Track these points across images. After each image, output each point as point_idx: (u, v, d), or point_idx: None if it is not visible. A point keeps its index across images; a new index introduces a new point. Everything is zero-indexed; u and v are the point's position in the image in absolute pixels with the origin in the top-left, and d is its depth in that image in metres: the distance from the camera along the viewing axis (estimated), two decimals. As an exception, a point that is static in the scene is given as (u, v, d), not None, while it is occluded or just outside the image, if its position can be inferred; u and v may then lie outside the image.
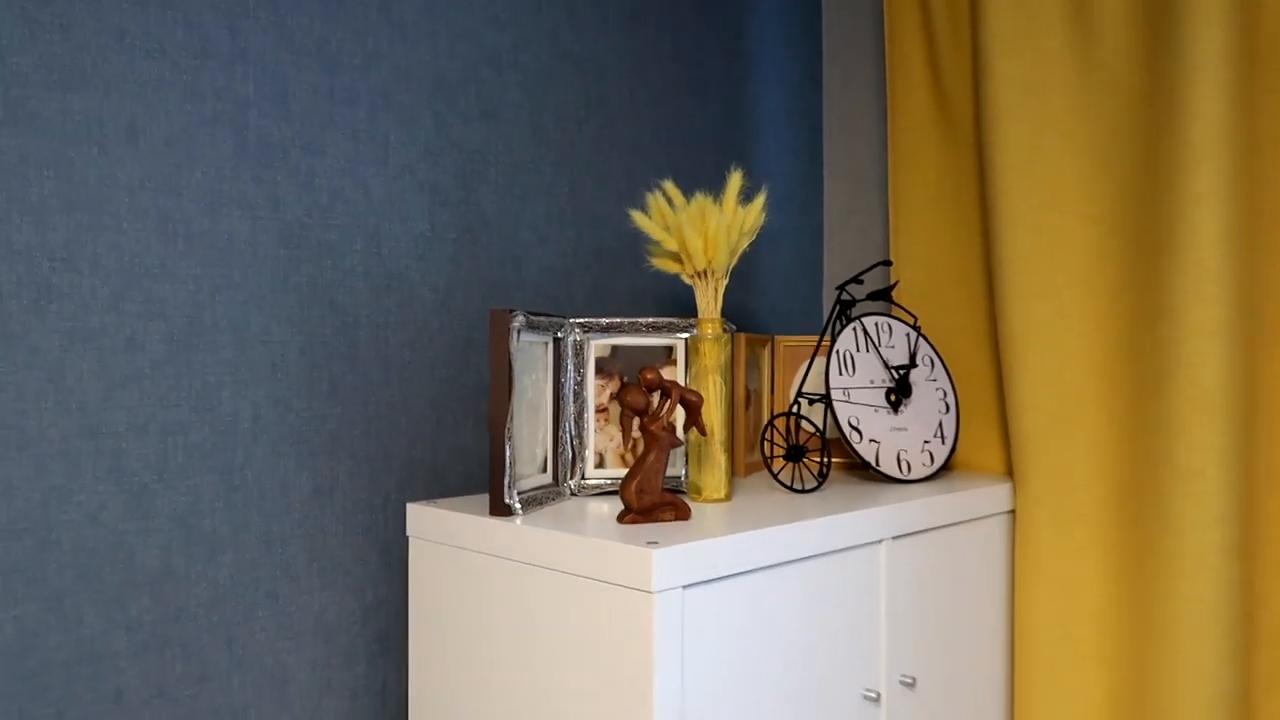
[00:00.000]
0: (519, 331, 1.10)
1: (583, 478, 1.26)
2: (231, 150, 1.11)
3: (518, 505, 1.10)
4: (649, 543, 0.94)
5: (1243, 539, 1.23)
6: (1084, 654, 1.34)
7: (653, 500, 1.05)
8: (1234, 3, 1.22)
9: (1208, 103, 1.22)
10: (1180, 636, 1.23)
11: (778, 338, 1.58)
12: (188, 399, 1.08)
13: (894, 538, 1.21)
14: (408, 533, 1.20)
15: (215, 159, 1.10)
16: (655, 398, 1.08)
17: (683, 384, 1.24)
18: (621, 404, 1.05)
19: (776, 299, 1.80)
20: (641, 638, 0.93)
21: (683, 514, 1.07)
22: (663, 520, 1.06)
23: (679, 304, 1.62)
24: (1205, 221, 1.22)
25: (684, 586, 0.95)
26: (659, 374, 1.08)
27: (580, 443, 1.25)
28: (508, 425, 1.08)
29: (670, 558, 0.93)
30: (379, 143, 1.24)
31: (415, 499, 1.27)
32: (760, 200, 1.21)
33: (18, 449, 0.96)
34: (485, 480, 1.35)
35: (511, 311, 1.09)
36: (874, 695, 1.16)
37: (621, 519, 1.05)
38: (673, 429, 1.08)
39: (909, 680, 1.22)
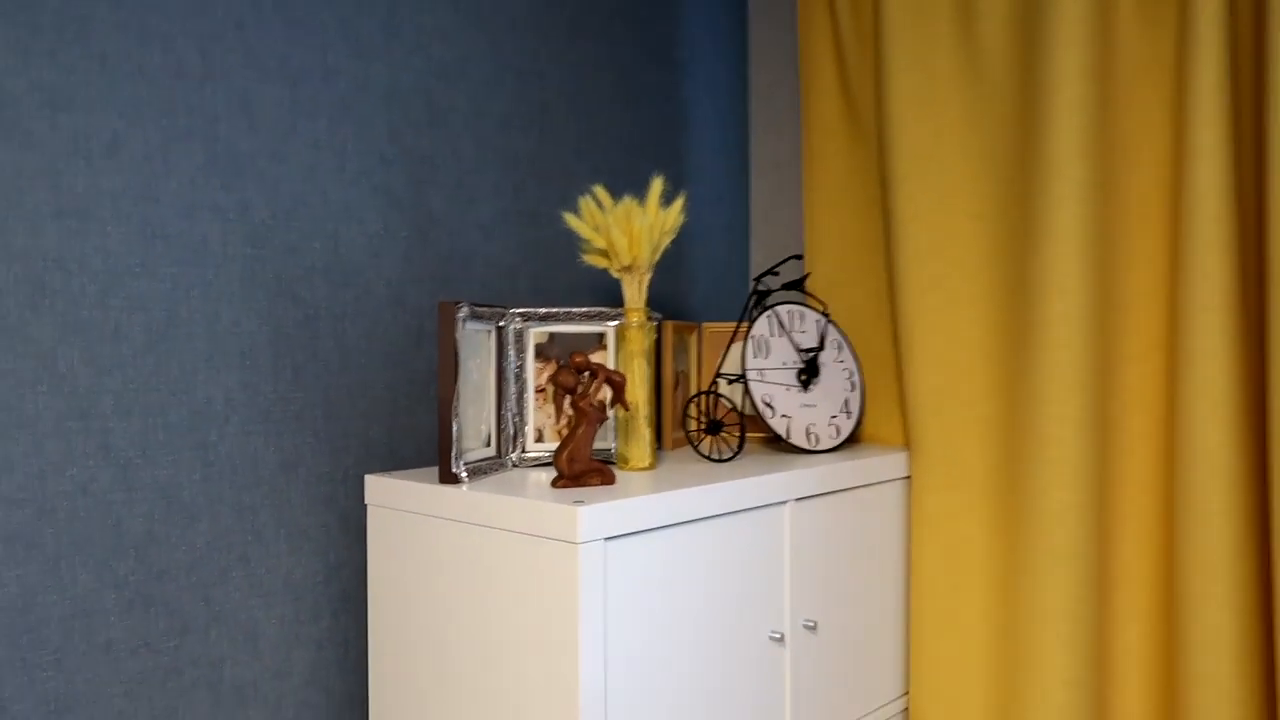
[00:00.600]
0: (464, 321, 1.25)
1: (523, 451, 1.41)
2: (203, 160, 1.24)
3: (464, 474, 1.25)
4: (575, 501, 1.10)
5: (1097, 497, 1.42)
6: (969, 599, 1.53)
7: (582, 468, 1.21)
8: (1089, 32, 1.40)
9: (1068, 118, 1.40)
10: (1045, 581, 1.42)
11: (704, 324, 1.74)
12: (166, 384, 1.21)
13: (797, 499, 1.38)
14: (366, 501, 1.34)
15: (189, 169, 1.22)
16: (584, 378, 1.24)
17: (611, 366, 1.40)
18: (554, 384, 1.21)
19: (707, 288, 1.96)
20: (569, 583, 1.09)
21: (608, 479, 1.22)
22: (590, 484, 1.21)
23: (612, 295, 1.77)
24: (1066, 221, 1.40)
25: (606, 539, 1.10)
26: (586, 357, 1.23)
27: (521, 420, 1.40)
28: (454, 404, 1.22)
29: (593, 514, 1.08)
30: (337, 151, 1.37)
31: (372, 472, 1.41)
32: (679, 202, 1.37)
33: (16, 428, 1.09)
34: (436, 455, 1.50)
35: (457, 303, 1.23)
36: (779, 636, 1.33)
37: (555, 484, 1.21)
38: (601, 406, 1.23)
39: (811, 624, 1.39)
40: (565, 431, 1.41)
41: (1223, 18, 1.31)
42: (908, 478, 1.61)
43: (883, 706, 1.57)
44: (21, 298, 1.09)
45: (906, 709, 1.62)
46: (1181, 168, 1.35)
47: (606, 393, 1.30)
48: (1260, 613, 1.34)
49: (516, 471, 1.37)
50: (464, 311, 1.24)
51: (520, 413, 1.40)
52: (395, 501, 1.30)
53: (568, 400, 1.24)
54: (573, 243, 1.69)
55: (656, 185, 1.36)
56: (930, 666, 1.55)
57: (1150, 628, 1.44)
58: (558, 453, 1.21)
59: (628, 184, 1.79)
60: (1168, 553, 1.42)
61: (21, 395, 1.10)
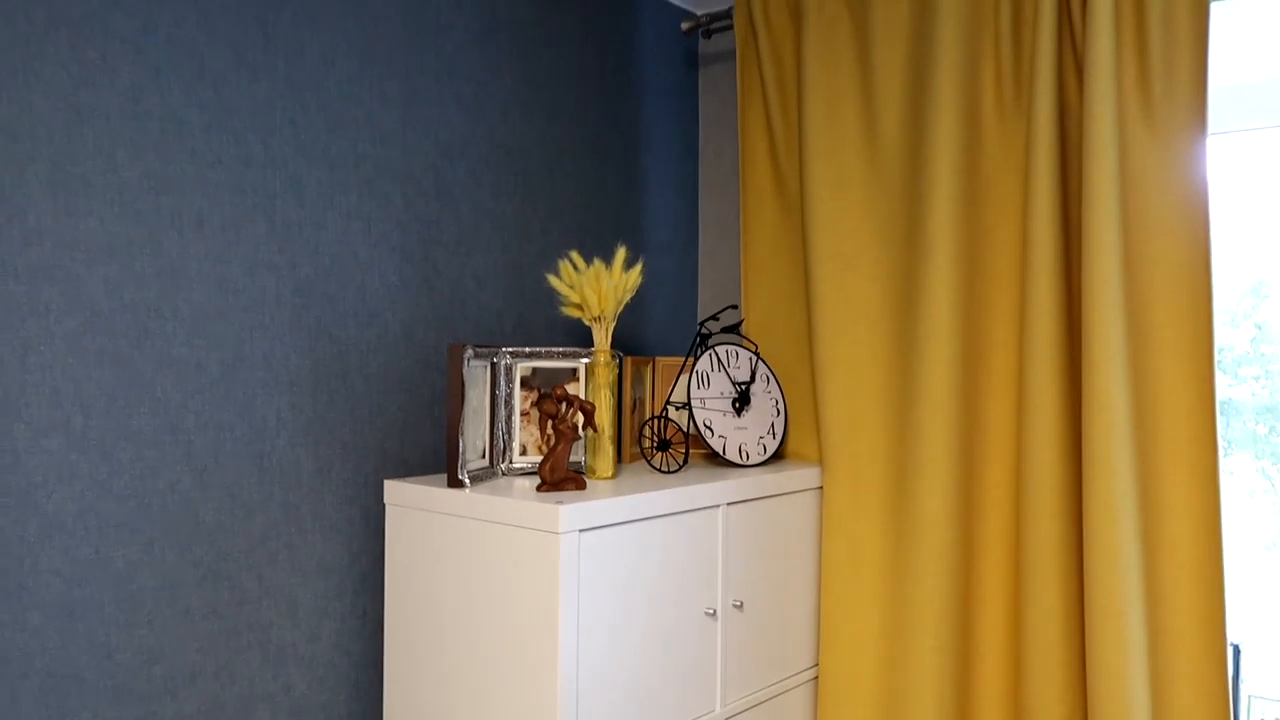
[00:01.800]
0: (469, 359, 1.59)
1: (511, 462, 1.75)
2: (265, 230, 1.57)
3: (466, 480, 1.59)
4: (557, 502, 1.45)
5: (964, 505, 1.80)
6: (866, 585, 1.90)
7: (560, 476, 1.56)
8: (961, 139, 1.79)
9: (944, 205, 1.79)
10: (923, 570, 1.80)
11: (657, 358, 2.10)
12: (234, 405, 1.54)
13: (729, 503, 1.74)
14: (385, 501, 1.68)
15: (254, 236, 1.56)
16: (562, 406, 1.58)
17: (583, 397, 1.75)
18: (540, 410, 1.56)
19: (661, 324, 2.32)
20: (551, 565, 1.43)
21: (580, 486, 1.57)
22: (566, 489, 1.56)
23: (581, 333, 2.12)
24: (941, 286, 1.79)
25: (580, 530, 1.45)
26: (565, 390, 1.58)
27: (509, 437, 1.75)
28: (460, 425, 1.57)
29: (570, 511, 1.43)
30: (364, 218, 1.71)
31: (388, 478, 1.75)
32: (638, 267, 1.73)
33: (125, 439, 1.41)
34: (440, 464, 1.84)
35: (463, 345, 1.58)
36: (712, 613, 1.69)
37: (539, 489, 1.55)
38: (575, 428, 1.58)
39: (738, 603, 1.75)
40: (547, 448, 1.76)
41: (1053, 137, 1.71)
42: (820, 488, 1.98)
43: (797, 674, 1.93)
44: (130, 338, 1.42)
45: (816, 676, 1.98)
46: (1027, 245, 1.74)
47: (580, 418, 1.65)
48: (1076, 596, 1.73)
49: (505, 479, 1.71)
50: (469, 352, 1.58)
51: (509, 431, 1.75)
52: (409, 501, 1.64)
53: (550, 423, 1.59)
54: (550, 291, 2.04)
55: (621, 252, 1.72)
56: (836, 640, 1.92)
57: (1002, 611, 1.83)
58: (541, 464, 1.56)
59: (596, 238, 2.15)
60: (1015, 548, 1.81)
61: (129, 414, 1.42)
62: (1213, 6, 1.76)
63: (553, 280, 1.70)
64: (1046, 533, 1.70)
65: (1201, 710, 1.61)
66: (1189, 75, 1.63)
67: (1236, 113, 2.00)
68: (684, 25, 2.24)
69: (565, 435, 1.56)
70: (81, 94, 1.36)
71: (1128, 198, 1.67)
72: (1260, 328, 2.24)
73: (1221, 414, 2.16)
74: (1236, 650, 2.07)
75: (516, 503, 1.48)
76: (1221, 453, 1.68)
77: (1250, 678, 2.12)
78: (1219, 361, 2.13)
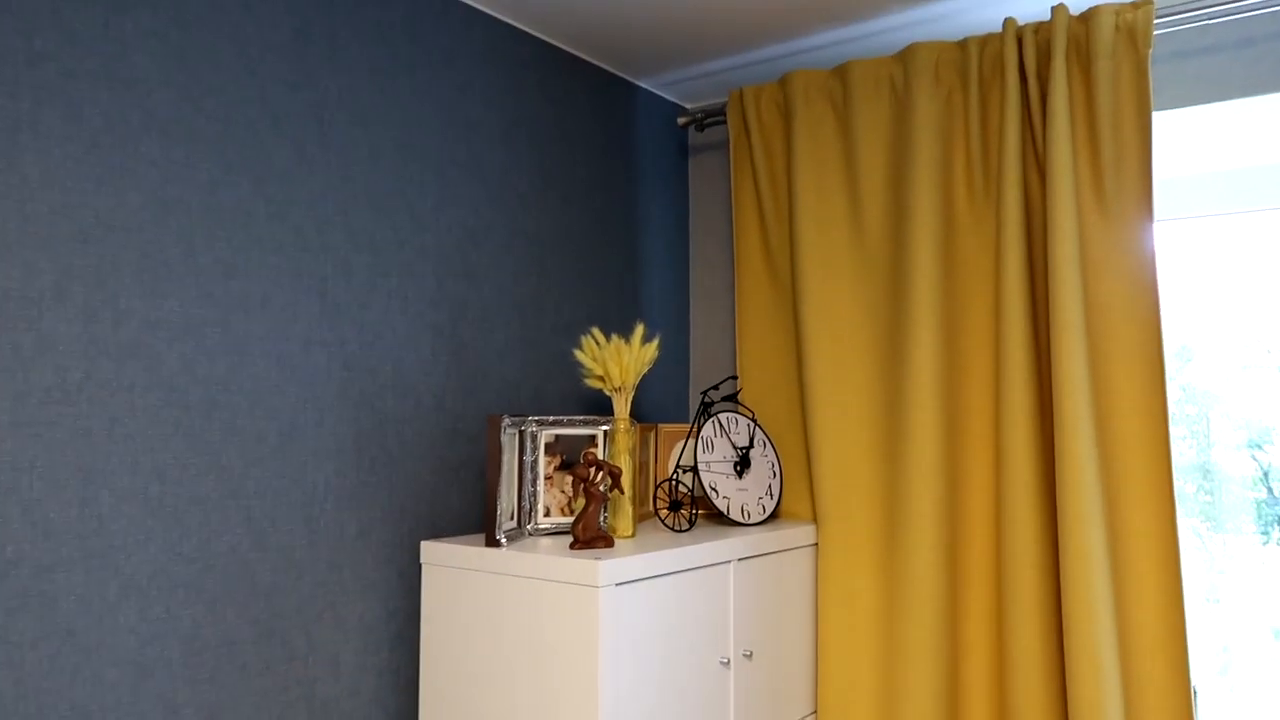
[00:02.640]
0: (506, 428, 1.73)
1: (536, 523, 1.88)
2: (318, 310, 1.71)
3: (503, 539, 1.72)
4: (595, 558, 1.58)
5: (948, 558, 1.98)
6: (860, 635, 2.05)
7: (591, 534, 1.69)
8: (938, 226, 2.00)
9: (924, 284, 1.99)
10: (913, 620, 1.96)
11: (659, 425, 2.26)
12: (289, 472, 1.65)
13: (738, 559, 1.89)
14: (421, 560, 1.79)
15: (307, 316, 1.69)
16: (593, 470, 1.73)
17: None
18: (573, 474, 1.70)
19: (657, 395, 2.48)
20: (591, 616, 1.56)
21: (609, 543, 1.71)
22: (597, 547, 1.70)
23: (591, 402, 2.27)
24: (923, 359, 1.98)
25: (615, 584, 1.59)
26: (595, 455, 1.73)
27: (535, 499, 1.88)
28: (499, 488, 1.70)
29: (607, 566, 1.57)
30: (402, 298, 1.85)
31: (421, 539, 1.86)
32: (655, 343, 1.89)
33: (193, 504, 1.52)
34: (466, 526, 1.96)
35: (501, 415, 1.72)
36: (726, 661, 1.83)
37: (572, 546, 1.69)
38: (605, 490, 1.73)
39: (748, 653, 1.89)
40: (571, 509, 1.89)
41: (1020, 225, 1.93)
42: (815, 544, 2.14)
43: (799, 719, 2.07)
44: (201, 411, 1.53)
45: (815, 722, 2.12)
46: (999, 321, 1.94)
47: (608, 480, 1.79)
48: (1055, 640, 1.90)
49: (532, 538, 1.84)
50: (507, 421, 1.73)
51: (534, 494, 1.88)
52: (445, 560, 1.76)
53: (582, 485, 1.73)
54: (563, 363, 2.19)
55: (639, 330, 1.88)
56: (832, 687, 2.06)
57: (987, 654, 1.99)
58: (574, 524, 1.70)
59: (601, 314, 2.31)
60: (997, 596, 1.98)
61: (198, 482, 1.53)
62: (1155, 115, 2.01)
63: (579, 354, 1.86)
64: (1027, 581, 1.87)
65: (1171, 740, 1.78)
66: (1136, 172, 1.87)
67: (1172, 201, 2.26)
68: (681, 120, 2.45)
69: (596, 497, 1.70)
70: (167, 189, 1.50)
71: (1088, 277, 1.89)
72: (1185, 389, 2.47)
73: None
74: (1194, 693, 2.25)
75: (557, 559, 1.61)
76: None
77: (1206, 713, 2.30)
78: None
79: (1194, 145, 2.16)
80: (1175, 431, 2.38)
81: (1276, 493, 2.32)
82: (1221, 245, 2.32)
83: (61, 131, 1.38)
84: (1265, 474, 2.32)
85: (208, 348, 1.54)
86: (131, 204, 1.46)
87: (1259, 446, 2.34)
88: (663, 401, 2.50)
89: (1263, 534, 2.31)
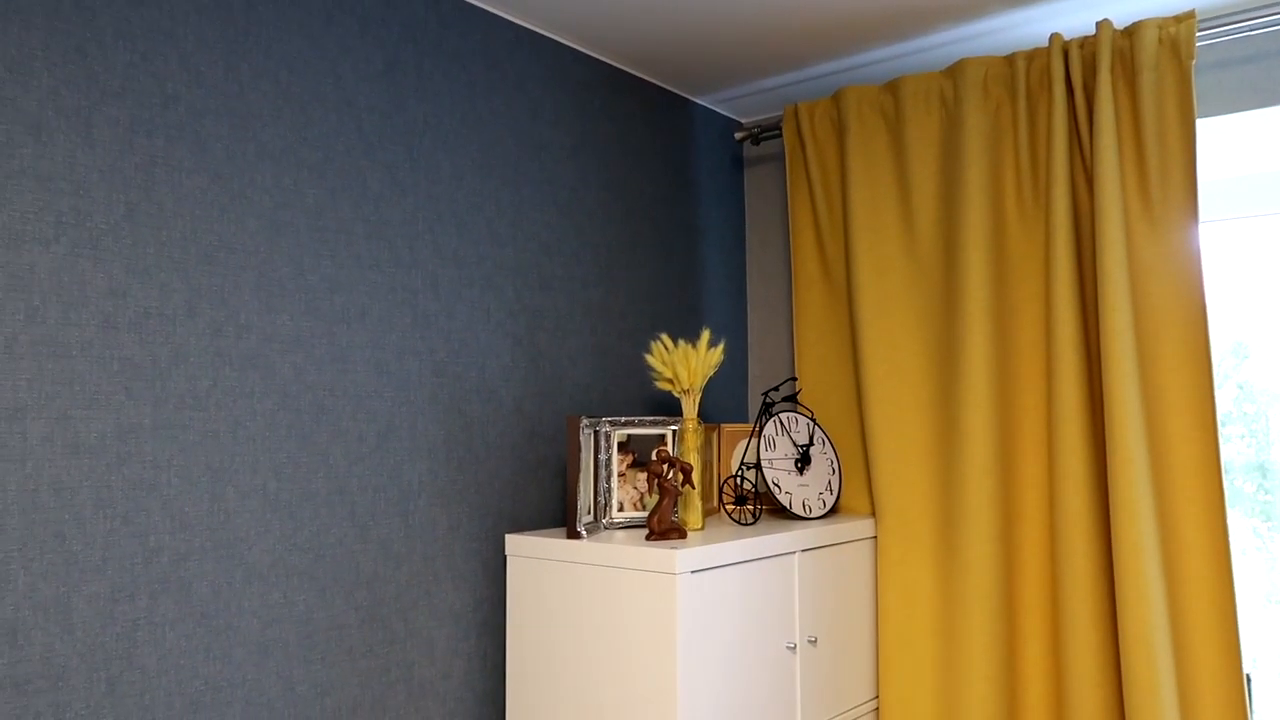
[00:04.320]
0: (583, 428, 1.86)
1: (611, 518, 2.01)
2: (410, 321, 1.85)
3: (583, 532, 1.85)
4: (672, 547, 1.70)
5: (1003, 550, 2.07)
6: (919, 624, 2.15)
7: (666, 527, 1.81)
8: (989, 234, 2.10)
9: (976, 290, 2.09)
10: (970, 609, 2.05)
11: (722, 425, 2.37)
12: (386, 471, 1.80)
13: (803, 550, 2.00)
14: (506, 553, 1.93)
15: (401, 326, 1.83)
16: (666, 467, 1.85)
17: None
18: (649, 470, 1.82)
19: (717, 395, 2.60)
20: (669, 601, 1.68)
21: (682, 535, 1.83)
22: (671, 538, 1.82)
23: (656, 403, 2.40)
24: (977, 360, 2.08)
25: (691, 572, 1.71)
26: (668, 452, 1.85)
27: (609, 495, 2.01)
28: (578, 484, 1.83)
29: (683, 555, 1.69)
30: (484, 308, 1.99)
31: (506, 532, 2.00)
32: (720, 346, 2.01)
33: (304, 500, 1.67)
34: (546, 521, 2.09)
35: (579, 417, 1.85)
36: (793, 646, 1.94)
37: (649, 538, 1.81)
38: (678, 485, 1.85)
39: (813, 639, 2.00)
40: (644, 504, 2.02)
41: (1069, 233, 2.02)
42: (874, 537, 2.24)
43: (861, 704, 2.17)
44: (311, 415, 1.68)
45: (877, 707, 2.22)
46: (1050, 324, 2.03)
47: (680, 477, 1.91)
48: (1109, 627, 1.98)
49: (607, 531, 1.97)
50: (585, 422, 1.85)
51: (609, 490, 2.01)
52: (528, 551, 1.89)
53: (656, 481, 1.85)
54: (629, 365, 2.32)
55: (705, 335, 2.01)
56: (893, 673, 2.16)
57: (1043, 643, 2.07)
58: (650, 517, 1.82)
59: (665, 321, 2.44)
60: (1052, 586, 2.07)
61: (309, 479, 1.68)
62: (1199, 122, 2.09)
63: (649, 359, 1.98)
64: (1080, 571, 1.95)
65: (1223, 722, 1.86)
66: (1181, 180, 1.95)
67: (1221, 203, 2.33)
68: (738, 135, 2.57)
69: (669, 492, 1.83)
70: (279, 213, 1.65)
71: (1135, 282, 1.97)
72: (1242, 387, 2.52)
73: None
74: (1248, 679, 2.32)
75: (636, 549, 1.73)
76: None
77: (1261, 707, 2.36)
78: None
79: (1242, 148, 2.23)
80: (1233, 430, 2.44)
81: None
82: (1274, 243, 2.38)
83: (190, 164, 1.54)
84: None
85: (315, 357, 1.69)
86: (249, 228, 1.61)
87: None
88: (723, 403, 2.61)
89: None
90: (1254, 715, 2.32)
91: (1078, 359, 1.99)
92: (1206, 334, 1.91)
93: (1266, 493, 2.43)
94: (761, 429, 2.19)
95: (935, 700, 2.13)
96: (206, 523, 1.54)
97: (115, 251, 1.45)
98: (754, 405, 2.71)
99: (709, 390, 2.57)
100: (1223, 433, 2.43)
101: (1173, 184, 1.96)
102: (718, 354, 2.00)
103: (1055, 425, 2.01)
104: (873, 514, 2.28)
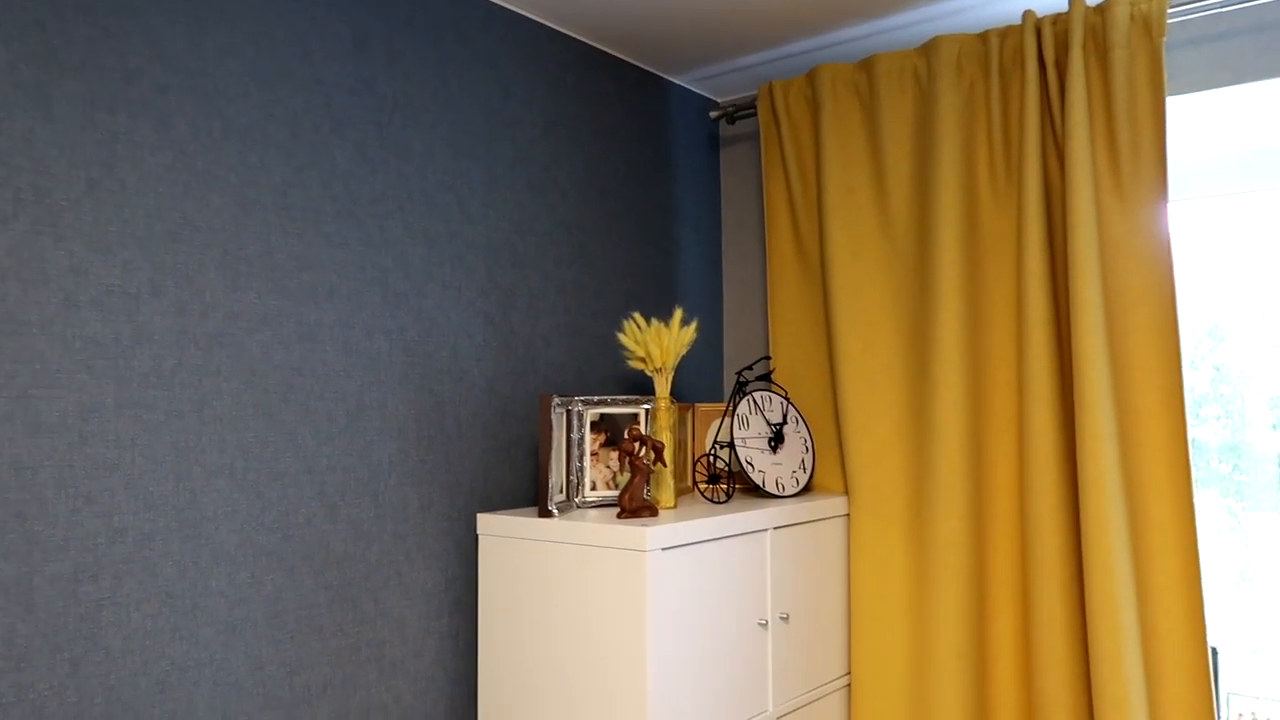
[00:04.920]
0: (555, 407, 1.86)
1: (584, 496, 2.01)
2: (380, 300, 1.84)
3: (555, 510, 1.85)
4: (642, 525, 1.71)
5: (974, 526, 2.08)
6: (891, 600, 2.16)
7: (637, 505, 1.82)
8: (962, 212, 2.10)
9: (948, 268, 2.09)
10: (942, 586, 2.07)
11: (696, 405, 2.37)
12: (356, 450, 1.79)
13: (775, 528, 2.00)
14: (478, 531, 1.93)
15: (371, 305, 1.82)
16: (638, 445, 1.85)
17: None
18: (620, 449, 1.82)
19: (692, 375, 2.60)
20: (639, 578, 1.69)
21: (654, 513, 1.83)
22: (643, 516, 1.82)
23: (630, 383, 2.39)
24: (949, 338, 2.08)
25: (661, 549, 1.71)
26: (640, 430, 1.85)
27: (582, 474, 2.01)
28: (550, 463, 1.83)
29: (654, 532, 1.69)
30: (456, 288, 1.98)
31: (477, 512, 1.99)
32: (693, 325, 2.01)
33: (273, 480, 1.66)
34: (518, 500, 2.09)
35: (551, 395, 1.84)
36: (764, 623, 1.95)
37: (620, 516, 1.81)
38: (649, 464, 1.85)
39: (785, 615, 2.01)
40: (616, 483, 2.02)
41: (1041, 210, 2.02)
42: (847, 515, 2.25)
43: (834, 680, 2.18)
44: (279, 394, 1.67)
45: (849, 684, 2.23)
46: (1021, 302, 2.04)
47: (651, 455, 1.91)
48: (1077, 602, 2.00)
49: (579, 510, 1.97)
50: (556, 400, 1.85)
51: (581, 469, 2.01)
52: (500, 530, 1.89)
53: (627, 459, 1.85)
54: (603, 345, 2.32)
55: (678, 313, 2.00)
56: (865, 649, 2.18)
57: (1013, 618, 2.09)
58: (621, 495, 1.82)
59: (639, 301, 2.43)
60: (1021, 562, 2.08)
61: (276, 458, 1.67)
62: (1171, 100, 2.09)
63: (622, 337, 1.98)
64: (1049, 547, 1.97)
65: (1189, 695, 1.88)
66: (1151, 157, 1.95)
67: (1195, 182, 2.34)
68: (713, 114, 2.56)
69: (641, 470, 1.83)
70: (246, 191, 1.64)
71: (1105, 258, 1.98)
72: (1219, 369, 2.53)
73: None
74: (1215, 652, 2.35)
75: (607, 527, 1.73)
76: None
77: (1228, 677, 2.39)
78: None
79: (1213, 126, 2.23)
80: (1210, 411, 2.46)
81: None
82: (1249, 224, 2.40)
83: (153, 141, 1.52)
84: None
85: (283, 336, 1.68)
86: (214, 205, 1.59)
87: None
88: (698, 382, 2.61)
89: None
90: (1220, 689, 2.35)
91: (1048, 336, 2.00)
92: (1175, 311, 1.92)
93: (1241, 473, 2.45)
94: (735, 408, 2.19)
95: (907, 675, 2.15)
96: (172, 502, 1.53)
97: (76, 229, 1.43)
98: (729, 384, 2.71)
99: (684, 370, 2.57)
100: (1199, 414, 2.45)
101: (1143, 161, 1.96)
102: (690, 332, 2.00)
103: (1026, 402, 2.02)
104: (845, 492, 2.29)
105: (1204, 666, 1.89)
